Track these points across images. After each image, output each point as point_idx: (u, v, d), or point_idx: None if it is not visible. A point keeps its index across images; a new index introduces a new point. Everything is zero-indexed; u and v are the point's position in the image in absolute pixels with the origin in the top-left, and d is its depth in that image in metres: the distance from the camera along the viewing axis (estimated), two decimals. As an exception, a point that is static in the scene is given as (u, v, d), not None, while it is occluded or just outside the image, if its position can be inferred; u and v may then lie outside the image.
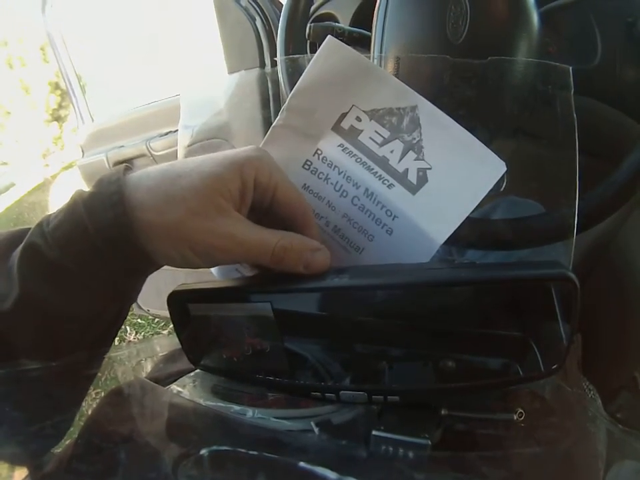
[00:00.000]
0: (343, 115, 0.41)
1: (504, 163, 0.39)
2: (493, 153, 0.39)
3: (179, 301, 0.40)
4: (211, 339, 0.41)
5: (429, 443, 0.33)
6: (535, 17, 0.52)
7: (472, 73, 0.42)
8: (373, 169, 0.41)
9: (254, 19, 1.14)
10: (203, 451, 0.31)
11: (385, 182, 0.41)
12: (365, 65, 0.40)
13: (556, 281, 0.35)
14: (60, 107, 6.09)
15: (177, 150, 1.39)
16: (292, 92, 0.41)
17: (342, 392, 0.36)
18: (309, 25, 0.62)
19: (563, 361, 0.35)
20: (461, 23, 0.49)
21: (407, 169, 0.40)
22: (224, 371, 0.42)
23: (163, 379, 0.43)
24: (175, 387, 0.42)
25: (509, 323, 0.37)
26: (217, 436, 0.34)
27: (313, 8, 0.85)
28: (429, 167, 0.40)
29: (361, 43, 0.64)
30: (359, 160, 0.41)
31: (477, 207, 0.48)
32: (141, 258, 0.32)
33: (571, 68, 0.43)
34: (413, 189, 0.40)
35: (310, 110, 0.41)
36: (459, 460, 0.33)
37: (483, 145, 0.39)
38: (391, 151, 0.40)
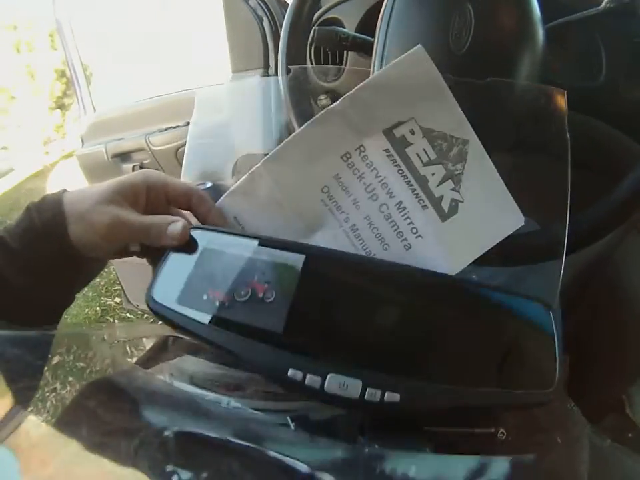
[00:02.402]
0: (400, 123, 0.42)
1: (523, 218, 0.41)
2: (517, 207, 0.41)
3: (197, 233, 0.41)
4: (204, 275, 0.38)
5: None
6: (540, 31, 0.52)
7: (471, 91, 0.43)
8: (412, 185, 0.42)
9: (261, 20, 1.14)
10: (167, 432, 0.31)
11: (421, 202, 0.42)
12: (440, 86, 0.41)
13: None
14: (64, 95, 6.07)
15: (175, 146, 1.39)
16: (363, 83, 0.41)
17: (330, 375, 0.32)
18: (313, 29, 0.61)
19: (555, 387, 0.35)
20: (464, 34, 0.48)
21: (442, 196, 0.42)
22: (187, 320, 0.36)
23: (148, 365, 0.45)
24: (152, 370, 0.43)
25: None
26: (186, 418, 0.33)
27: (319, 12, 0.84)
28: (461, 200, 0.42)
29: (364, 49, 0.64)
30: (401, 172, 0.42)
31: None
32: (70, 245, 0.41)
33: (565, 92, 0.43)
34: (444, 216, 0.42)
35: (371, 106, 0.41)
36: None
37: (511, 197, 0.41)
38: (432, 174, 0.42)
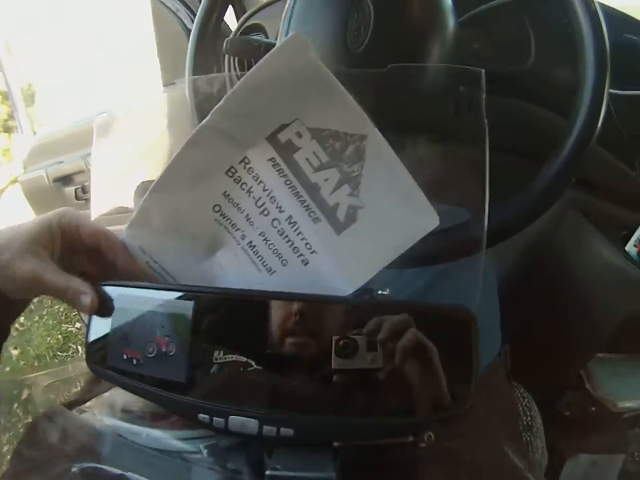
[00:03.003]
0: (283, 126, 0.38)
1: (438, 218, 0.37)
2: (431, 206, 0.37)
3: (107, 292, 0.41)
4: (121, 335, 0.40)
5: (334, 475, 0.32)
6: (449, 22, 0.50)
7: (370, 83, 0.40)
8: (301, 197, 0.38)
9: (190, 31, 1.12)
10: (74, 468, 0.34)
11: (312, 214, 0.39)
12: (325, 77, 0.36)
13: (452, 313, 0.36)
14: (10, 117, 5.89)
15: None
16: (230, 92, 0.37)
17: (231, 417, 0.35)
18: (226, 40, 0.60)
19: (468, 405, 0.35)
20: (362, 31, 0.46)
21: (338, 204, 0.38)
22: (117, 377, 0.40)
23: (83, 400, 0.46)
24: (85, 408, 0.44)
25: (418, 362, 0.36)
26: (99, 455, 0.37)
27: (241, 19, 0.83)
28: (360, 205, 0.38)
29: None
30: (288, 182, 0.39)
31: None
32: None
33: (483, 71, 0.41)
34: (339, 228, 0.38)
35: (246, 114, 0.37)
36: None
37: (423, 194, 0.37)
38: (325, 179, 0.38)
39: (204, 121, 0.38)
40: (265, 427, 0.34)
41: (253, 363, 0.36)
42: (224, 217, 0.41)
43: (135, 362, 0.38)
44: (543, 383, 0.84)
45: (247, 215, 0.40)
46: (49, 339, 2.53)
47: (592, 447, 0.93)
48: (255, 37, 0.62)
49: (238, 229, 0.41)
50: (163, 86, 1.15)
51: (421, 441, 0.35)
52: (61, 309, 2.66)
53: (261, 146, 0.38)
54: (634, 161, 0.72)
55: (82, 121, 1.58)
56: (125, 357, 0.39)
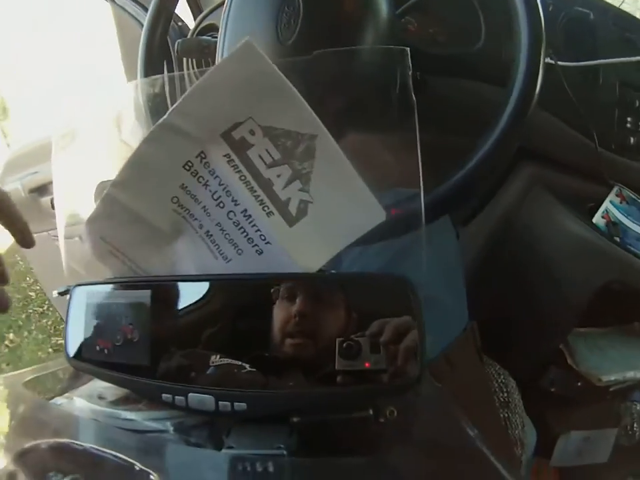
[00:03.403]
0: (237, 124, 0.39)
1: (385, 213, 0.39)
2: (377, 201, 0.39)
3: (79, 291, 0.44)
4: (93, 328, 0.43)
5: (284, 452, 0.34)
6: (381, 12, 0.51)
7: (298, 72, 0.40)
8: (255, 192, 0.40)
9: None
10: (43, 445, 0.36)
11: (265, 208, 0.40)
12: (277, 79, 0.38)
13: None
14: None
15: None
16: (186, 93, 0.38)
17: (190, 394, 0.37)
18: (177, 42, 0.60)
19: (422, 372, 0.35)
20: (292, 23, 0.47)
21: (290, 199, 0.40)
22: (92, 367, 0.43)
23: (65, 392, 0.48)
24: (64, 397, 0.46)
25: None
26: (71, 435, 0.39)
27: (197, 20, 0.83)
28: (311, 200, 0.40)
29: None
30: (243, 178, 0.40)
31: None
32: None
33: (408, 49, 0.41)
34: (291, 221, 0.40)
35: (203, 111, 0.39)
36: (321, 465, 0.34)
37: (369, 191, 0.39)
38: (278, 175, 0.40)
39: (160, 119, 0.39)
40: (220, 402, 0.36)
41: (247, 366, 0.38)
42: (182, 208, 0.42)
43: (106, 351, 0.41)
44: (522, 360, 0.85)
45: (204, 206, 0.42)
46: (39, 353, 2.52)
47: (582, 423, 0.94)
48: (206, 37, 0.62)
49: (196, 219, 0.42)
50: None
51: (382, 416, 0.36)
52: (49, 322, 2.66)
53: (216, 142, 0.40)
54: (592, 132, 0.73)
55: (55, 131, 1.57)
56: (97, 347, 0.42)
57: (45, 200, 1.51)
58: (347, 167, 0.39)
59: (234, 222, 0.41)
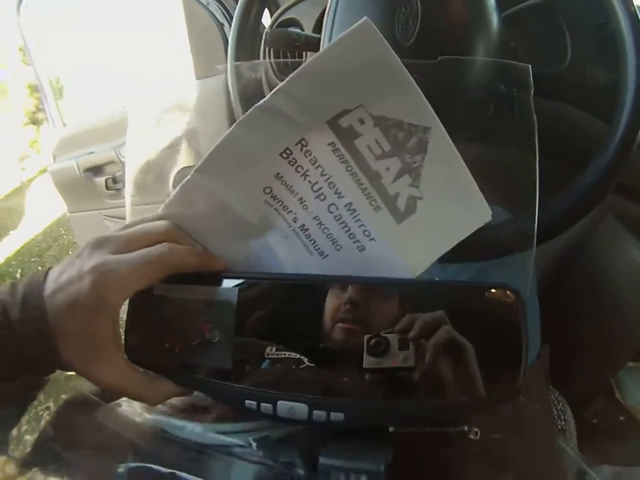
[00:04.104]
0: (345, 112, 0.36)
1: (491, 212, 0.38)
2: (485, 200, 0.38)
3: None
4: (161, 324, 0.39)
5: (382, 469, 0.32)
6: (494, 18, 0.50)
7: (421, 75, 0.38)
8: (362, 184, 0.38)
9: (222, 25, 1.14)
10: (121, 469, 0.33)
11: (373, 203, 0.38)
12: (393, 65, 0.35)
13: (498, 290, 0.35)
14: (38, 109, 6.01)
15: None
16: (293, 74, 0.35)
17: (280, 402, 0.34)
18: (265, 31, 0.60)
19: (522, 383, 0.34)
20: (411, 24, 0.46)
21: (398, 193, 0.38)
22: (158, 365, 0.39)
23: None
24: (122, 402, 0.42)
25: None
26: (144, 452, 0.36)
27: (276, 13, 0.83)
28: (420, 196, 0.38)
29: (318, 48, 0.62)
30: (349, 169, 0.38)
31: None
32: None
33: (530, 66, 0.40)
34: (399, 218, 0.38)
35: (309, 96, 0.36)
36: None
37: (478, 189, 0.37)
38: (387, 168, 0.37)
39: (261, 101, 0.37)
40: (314, 411, 0.34)
41: (305, 360, 0.36)
42: (275, 199, 0.40)
43: (177, 351, 0.38)
44: (574, 388, 0.83)
45: (301, 198, 0.39)
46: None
47: (616, 458, 0.92)
48: (294, 29, 0.62)
49: (290, 212, 0.40)
50: (196, 79, 1.17)
51: (470, 433, 0.36)
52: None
53: (321, 130, 0.37)
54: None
55: (112, 113, 1.60)
56: (166, 345, 0.38)
57: (100, 180, 1.54)
58: (459, 163, 0.37)
59: (335, 216, 0.39)
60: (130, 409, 0.41)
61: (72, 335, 0.34)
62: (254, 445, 0.36)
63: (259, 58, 0.64)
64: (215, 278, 0.39)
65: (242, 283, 0.38)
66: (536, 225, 0.39)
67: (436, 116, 0.36)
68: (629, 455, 0.92)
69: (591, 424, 0.91)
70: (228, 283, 0.39)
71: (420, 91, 0.35)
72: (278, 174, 0.39)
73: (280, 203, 0.40)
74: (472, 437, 0.35)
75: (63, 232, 2.63)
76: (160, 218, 0.40)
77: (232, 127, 0.37)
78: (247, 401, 0.35)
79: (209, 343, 0.37)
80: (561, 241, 0.79)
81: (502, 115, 0.44)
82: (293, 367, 0.36)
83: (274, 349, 0.36)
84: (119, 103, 1.67)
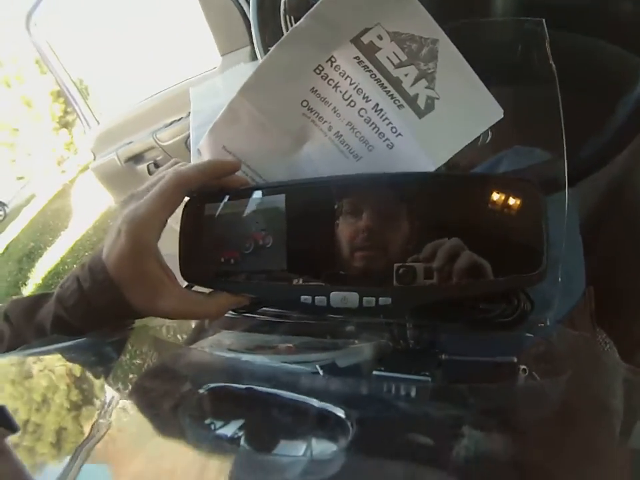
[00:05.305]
0: (366, 30, 0.42)
1: (502, 111, 0.42)
2: (495, 100, 0.42)
3: (196, 203, 0.43)
4: (214, 240, 0.42)
5: (430, 379, 0.34)
6: None
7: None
8: (386, 87, 0.43)
9: (237, -1, 1.16)
10: (202, 390, 0.35)
11: (397, 102, 0.43)
12: None
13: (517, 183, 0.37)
14: (66, 113, 6.15)
15: (183, 137, 1.42)
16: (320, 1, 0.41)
17: (332, 293, 0.38)
18: (284, 1, 0.63)
19: (545, 266, 0.35)
20: None
21: (417, 94, 0.43)
22: (216, 279, 0.42)
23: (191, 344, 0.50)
24: (194, 347, 0.47)
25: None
26: (220, 377, 0.39)
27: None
28: (437, 97, 0.43)
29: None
30: (373, 75, 0.43)
31: (482, 160, 0.51)
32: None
33: (543, 20, 0.44)
34: (420, 114, 0.43)
35: (334, 18, 0.42)
36: (450, 392, 0.34)
37: (487, 90, 0.42)
38: (405, 75, 0.43)
39: (297, 24, 0.43)
40: (364, 298, 0.37)
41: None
42: (311, 111, 0.45)
43: (232, 261, 0.41)
44: (623, 331, 0.76)
45: (334, 107, 0.44)
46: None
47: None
48: None
49: (325, 122, 0.45)
50: (221, 55, 1.20)
51: (524, 364, 0.37)
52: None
53: (346, 47, 0.43)
54: None
55: (143, 102, 1.67)
56: (222, 259, 0.42)
57: (141, 167, 1.61)
58: (466, 69, 0.42)
59: (365, 119, 0.44)
60: (202, 352, 0.45)
61: (131, 282, 0.40)
62: (321, 371, 0.37)
63: (280, 28, 0.68)
64: (263, 189, 0.43)
65: (288, 188, 0.42)
66: (565, 162, 0.41)
67: (441, 29, 0.41)
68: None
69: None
70: (275, 191, 0.42)
71: (424, 9, 0.41)
72: (313, 88, 0.44)
73: (316, 114, 0.45)
74: (521, 372, 0.36)
75: (111, 223, 2.73)
76: (172, 165, 0.44)
77: (271, 49, 0.44)
78: (302, 297, 0.39)
79: (263, 248, 0.40)
80: (602, 179, 0.79)
81: (524, 63, 0.47)
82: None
83: (301, 281, 0.39)
84: (147, 91, 1.72)
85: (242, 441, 0.29)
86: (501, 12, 0.57)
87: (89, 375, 0.42)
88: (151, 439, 0.32)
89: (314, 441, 0.28)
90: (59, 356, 0.42)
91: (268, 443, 0.29)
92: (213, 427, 0.32)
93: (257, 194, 0.42)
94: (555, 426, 0.30)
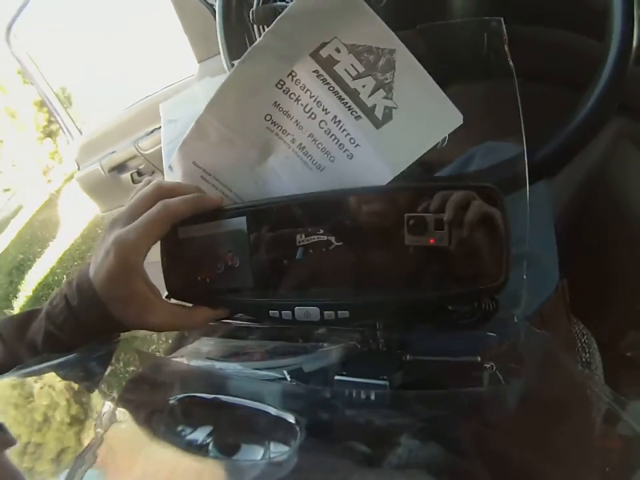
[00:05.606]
0: (324, 44, 0.44)
1: (462, 116, 0.43)
2: (454, 106, 0.43)
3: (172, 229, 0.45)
4: (190, 262, 0.46)
5: (387, 383, 0.35)
6: None
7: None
8: (343, 99, 0.44)
9: (212, 5, 1.16)
10: (171, 400, 0.37)
11: (354, 113, 0.45)
12: (358, 3, 0.42)
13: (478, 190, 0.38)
14: (50, 122, 6.10)
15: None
16: (280, 15, 0.43)
17: (296, 308, 0.41)
18: (251, 11, 0.64)
19: (505, 273, 0.36)
20: None
21: (375, 105, 0.44)
22: (196, 296, 0.46)
23: (171, 352, 0.52)
24: (173, 356, 0.48)
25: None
26: (194, 386, 0.41)
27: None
28: (395, 106, 0.44)
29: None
30: (331, 88, 0.44)
31: (453, 157, 0.52)
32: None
33: (501, 19, 0.44)
34: (378, 124, 0.44)
35: (292, 34, 0.44)
36: (398, 400, 0.35)
37: (446, 97, 0.43)
38: (363, 86, 0.44)
39: (257, 41, 0.44)
40: (325, 312, 0.40)
41: (333, 239, 0.40)
42: (275, 125, 0.46)
43: (208, 280, 0.45)
44: (603, 321, 0.81)
45: (296, 120, 0.46)
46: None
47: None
48: (280, 2, 0.65)
49: (288, 134, 0.46)
50: (198, 62, 1.21)
51: (488, 362, 0.38)
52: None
53: (306, 61, 0.44)
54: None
55: (124, 110, 1.67)
56: (199, 278, 0.45)
57: (125, 176, 1.62)
58: (424, 76, 0.43)
59: (325, 131, 0.45)
60: (181, 359, 0.47)
61: (118, 299, 0.42)
62: (288, 377, 0.39)
63: (249, 38, 0.69)
64: (225, 212, 0.45)
65: (248, 210, 0.44)
66: (526, 158, 0.42)
67: (398, 39, 0.42)
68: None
69: (626, 357, 0.87)
70: (236, 213, 0.44)
71: (380, 20, 0.42)
72: (275, 102, 0.46)
73: (279, 127, 0.46)
74: (488, 368, 0.37)
75: (100, 231, 2.73)
76: (147, 183, 0.46)
77: (234, 66, 0.45)
78: (270, 311, 0.42)
79: (232, 268, 0.43)
80: (579, 170, 0.80)
81: (485, 61, 0.47)
82: (324, 249, 0.41)
83: (303, 236, 0.41)
84: (128, 99, 1.72)
85: (210, 447, 0.31)
86: (468, 11, 0.58)
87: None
88: (147, 446, 0.33)
89: (272, 445, 0.29)
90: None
91: (232, 448, 0.30)
92: (183, 433, 0.33)
93: (222, 216, 0.45)
94: (509, 429, 0.31)
